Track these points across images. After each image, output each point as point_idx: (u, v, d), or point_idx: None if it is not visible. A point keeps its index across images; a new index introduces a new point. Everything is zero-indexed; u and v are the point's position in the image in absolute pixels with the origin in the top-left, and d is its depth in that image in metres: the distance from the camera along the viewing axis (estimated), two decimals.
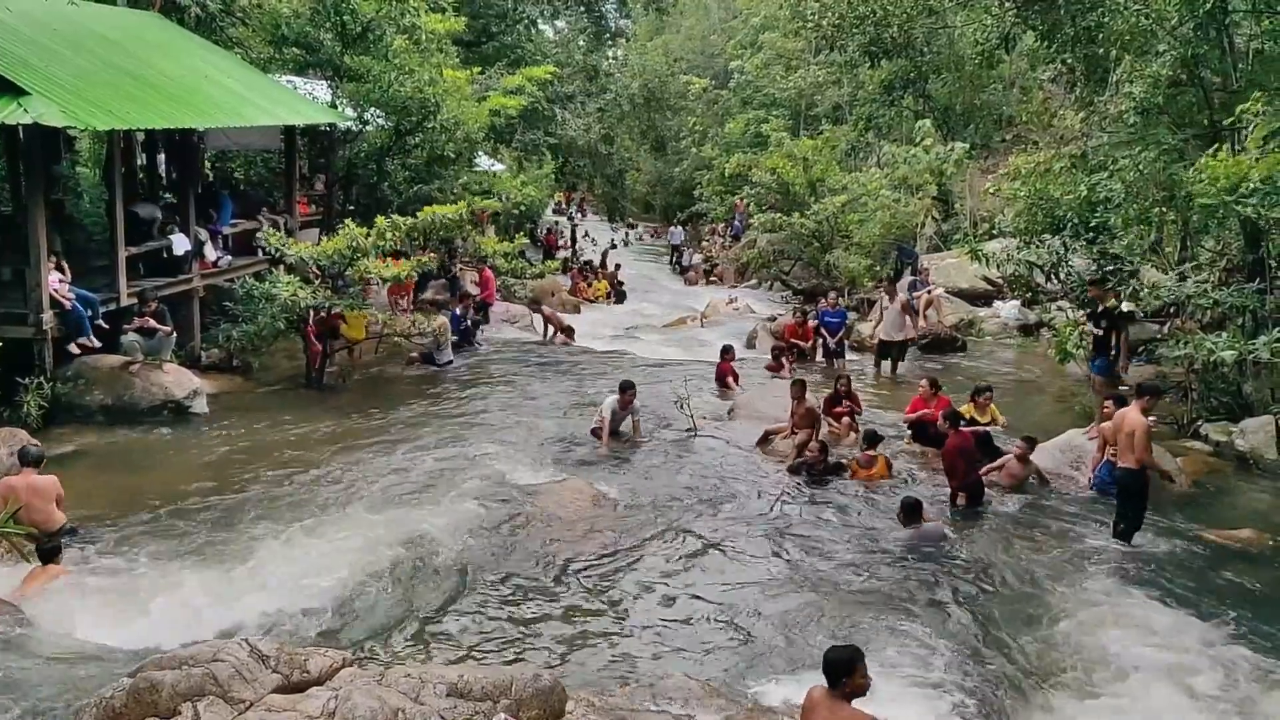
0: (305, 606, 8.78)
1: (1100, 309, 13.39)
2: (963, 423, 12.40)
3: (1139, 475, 10.60)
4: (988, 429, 13.35)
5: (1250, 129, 14.20)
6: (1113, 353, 13.21)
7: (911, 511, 10.70)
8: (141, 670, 6.20)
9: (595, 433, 13.89)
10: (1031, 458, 12.50)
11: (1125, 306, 17.43)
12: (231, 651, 6.21)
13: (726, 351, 17.42)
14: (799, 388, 13.79)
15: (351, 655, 6.94)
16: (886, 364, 18.51)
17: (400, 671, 6.34)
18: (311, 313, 16.35)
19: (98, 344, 14.30)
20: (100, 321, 14.51)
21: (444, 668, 6.56)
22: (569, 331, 21.91)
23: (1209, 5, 14.98)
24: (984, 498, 11.82)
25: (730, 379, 16.91)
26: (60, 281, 13.91)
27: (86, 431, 13.47)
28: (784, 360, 18.26)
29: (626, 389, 13.94)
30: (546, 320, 22.12)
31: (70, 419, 13.69)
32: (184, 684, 5.94)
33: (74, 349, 14.06)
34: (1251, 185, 12.50)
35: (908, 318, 18.47)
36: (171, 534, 10.27)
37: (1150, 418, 10.66)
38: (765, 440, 13.90)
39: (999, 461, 12.58)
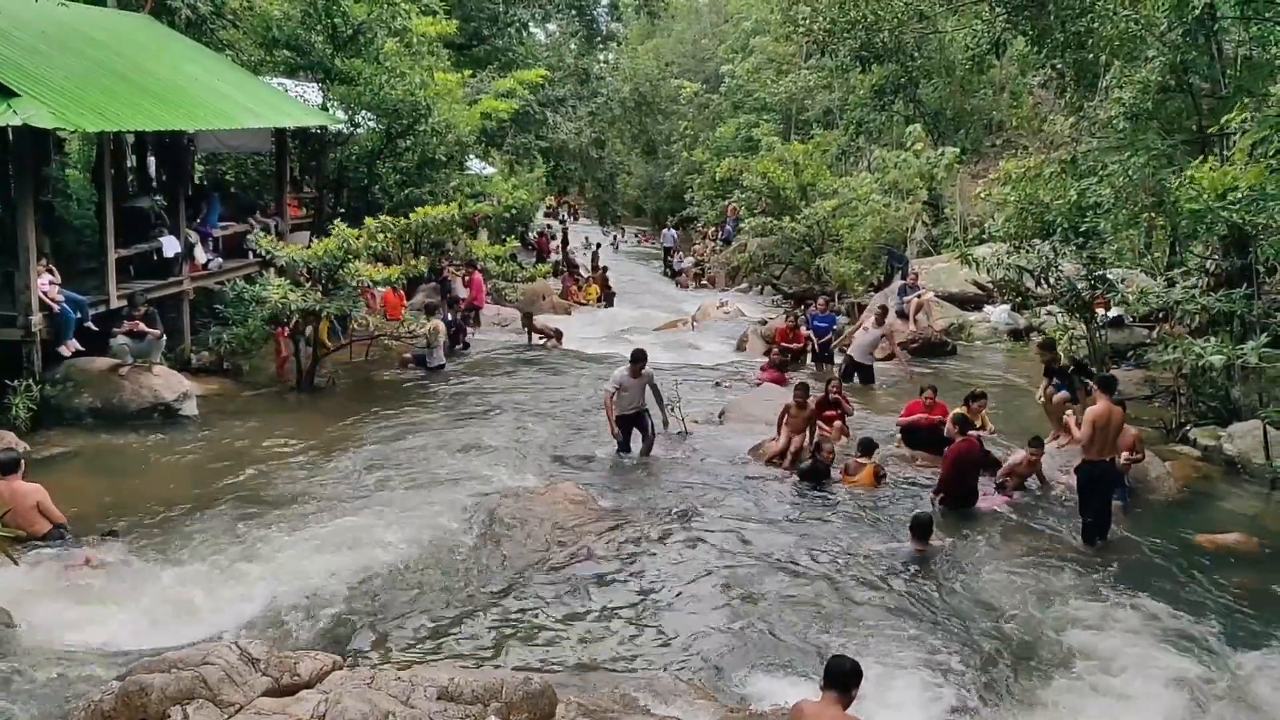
0: (295, 609, 8.76)
1: (1056, 368, 13.66)
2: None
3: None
4: (980, 435, 13.36)
5: (1238, 135, 14.28)
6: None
7: (922, 529, 10.51)
8: (130, 673, 6.19)
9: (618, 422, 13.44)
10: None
11: (1114, 311, 17.55)
12: (221, 654, 6.20)
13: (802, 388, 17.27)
14: (802, 392, 13.77)
15: (341, 658, 6.93)
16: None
17: (390, 674, 6.33)
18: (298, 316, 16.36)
19: (80, 348, 14.25)
20: (90, 324, 14.47)
21: (434, 671, 6.56)
22: (557, 335, 21.90)
23: (1198, 11, 15.06)
24: (976, 502, 11.83)
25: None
26: (50, 284, 13.87)
27: (75, 434, 13.40)
28: (774, 357, 18.38)
29: (637, 359, 13.40)
30: (536, 331, 22.05)
31: (59, 422, 13.62)
32: (173, 687, 5.93)
33: (65, 351, 14.03)
34: (1239, 191, 12.55)
35: (883, 342, 18.39)
36: (160, 536, 10.24)
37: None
38: (760, 446, 13.91)
39: (1014, 459, 12.54)
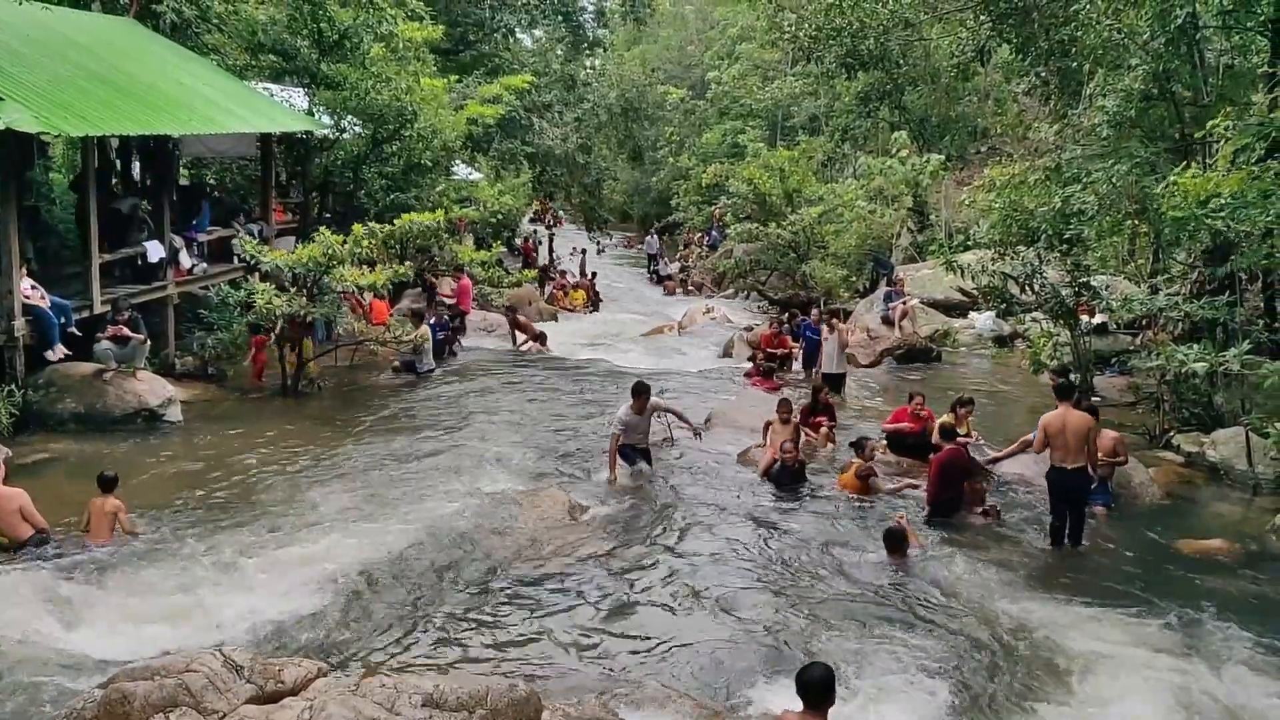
0: (280, 616, 8.72)
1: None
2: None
3: (1087, 475, 10.96)
4: (966, 441, 13.39)
5: (1220, 143, 14.37)
6: None
7: (895, 541, 10.59)
8: (113, 681, 6.15)
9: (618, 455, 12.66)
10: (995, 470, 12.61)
11: (1098, 319, 17.63)
12: (204, 662, 6.16)
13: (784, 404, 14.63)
14: (785, 408, 13.71)
15: (326, 665, 6.90)
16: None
17: (375, 682, 6.30)
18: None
19: (68, 352, 14.19)
20: (73, 329, 14.39)
21: (419, 678, 6.53)
22: (541, 338, 21.90)
23: (1180, 21, 15.16)
24: (960, 511, 11.83)
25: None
26: (33, 288, 13.79)
27: (58, 440, 13.33)
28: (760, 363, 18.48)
29: (639, 392, 12.61)
30: (519, 328, 22.06)
31: (42, 427, 13.56)
32: (156, 695, 5.89)
33: (52, 356, 13.96)
34: (1221, 199, 12.63)
35: (844, 351, 18.32)
36: (143, 543, 10.18)
37: None
38: (746, 452, 13.90)
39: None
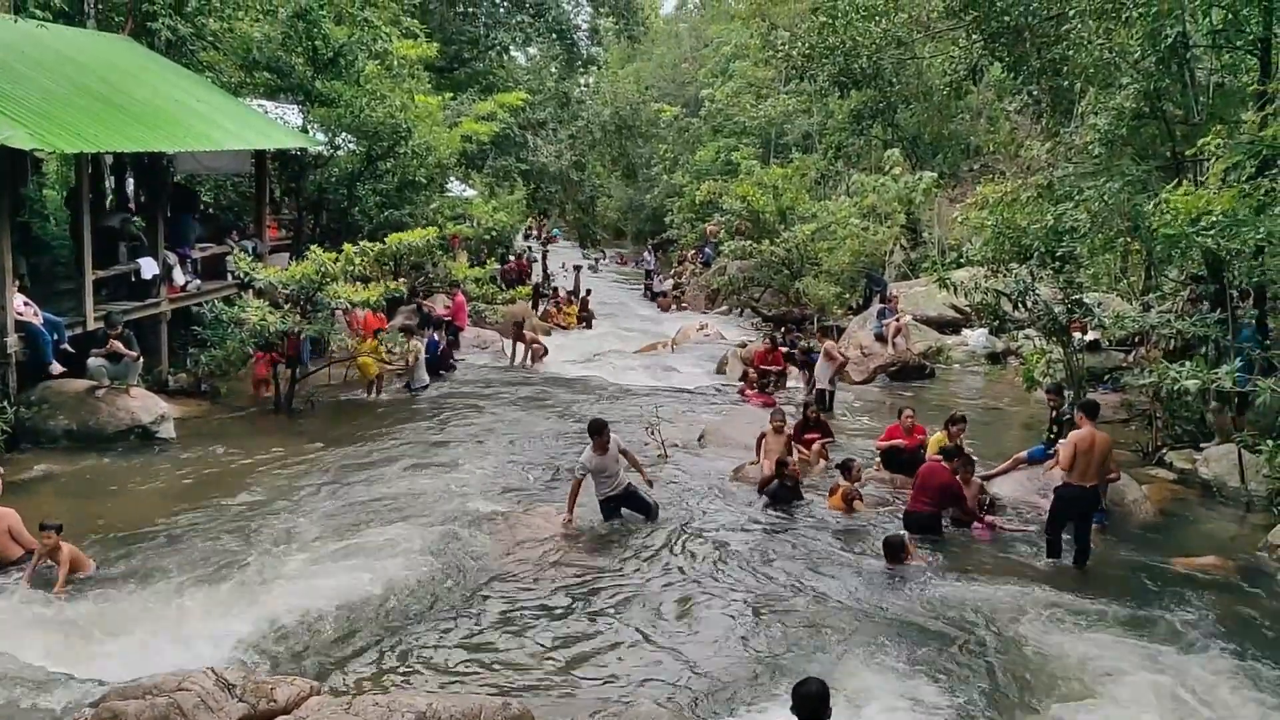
0: (272, 635, 8.68)
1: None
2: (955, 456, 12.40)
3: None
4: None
5: (1211, 161, 14.43)
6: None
7: (893, 550, 10.66)
8: (104, 700, 6.14)
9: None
10: (977, 480, 12.65)
11: (1091, 336, 17.68)
12: (197, 680, 6.16)
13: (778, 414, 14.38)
14: (778, 417, 13.74)
15: (319, 684, 6.88)
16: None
17: (368, 700, 6.30)
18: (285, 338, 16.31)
19: (63, 368, 14.16)
20: (66, 346, 14.37)
21: (412, 696, 6.52)
22: (543, 351, 21.99)
23: (1171, 40, 15.25)
24: (941, 528, 11.84)
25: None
26: (25, 305, 13.77)
27: (51, 456, 13.29)
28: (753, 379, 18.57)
29: (597, 431, 11.53)
30: (525, 343, 22.08)
31: (34, 444, 13.53)
32: (148, 714, 5.88)
33: (54, 370, 13.93)
34: (1213, 216, 12.69)
35: (833, 366, 18.43)
36: (136, 561, 10.15)
37: None
38: (740, 469, 13.91)
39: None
